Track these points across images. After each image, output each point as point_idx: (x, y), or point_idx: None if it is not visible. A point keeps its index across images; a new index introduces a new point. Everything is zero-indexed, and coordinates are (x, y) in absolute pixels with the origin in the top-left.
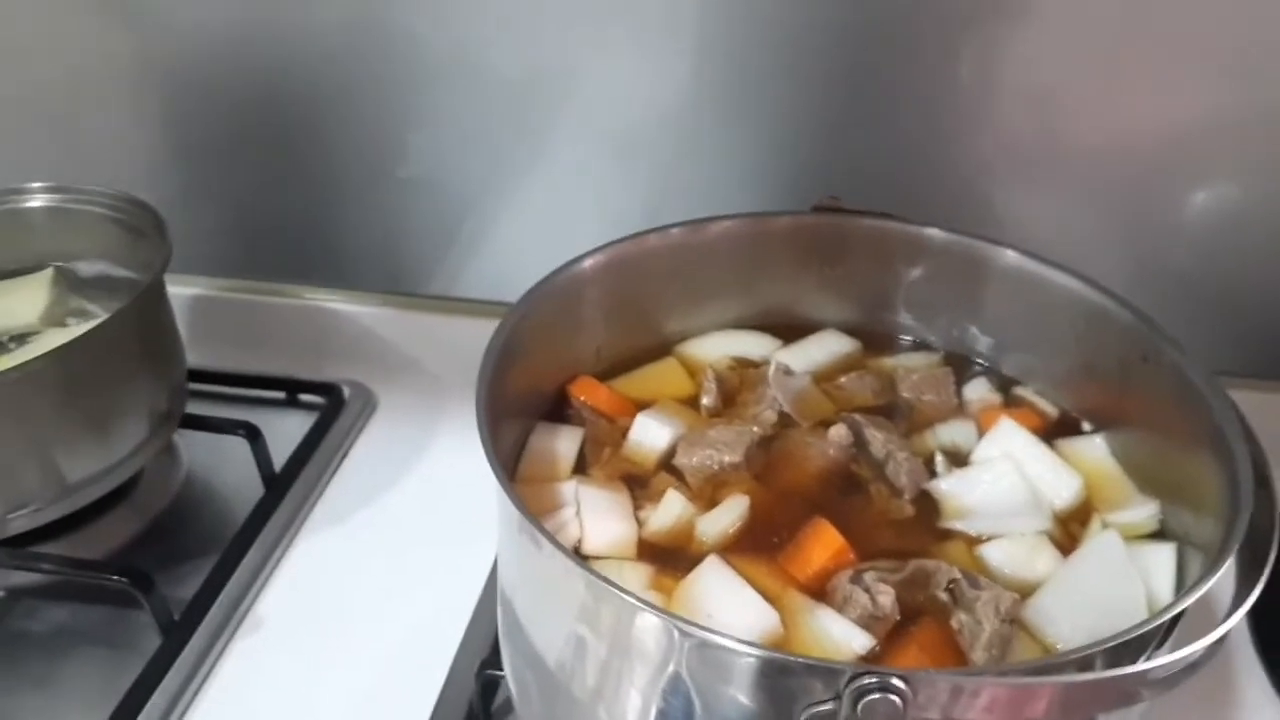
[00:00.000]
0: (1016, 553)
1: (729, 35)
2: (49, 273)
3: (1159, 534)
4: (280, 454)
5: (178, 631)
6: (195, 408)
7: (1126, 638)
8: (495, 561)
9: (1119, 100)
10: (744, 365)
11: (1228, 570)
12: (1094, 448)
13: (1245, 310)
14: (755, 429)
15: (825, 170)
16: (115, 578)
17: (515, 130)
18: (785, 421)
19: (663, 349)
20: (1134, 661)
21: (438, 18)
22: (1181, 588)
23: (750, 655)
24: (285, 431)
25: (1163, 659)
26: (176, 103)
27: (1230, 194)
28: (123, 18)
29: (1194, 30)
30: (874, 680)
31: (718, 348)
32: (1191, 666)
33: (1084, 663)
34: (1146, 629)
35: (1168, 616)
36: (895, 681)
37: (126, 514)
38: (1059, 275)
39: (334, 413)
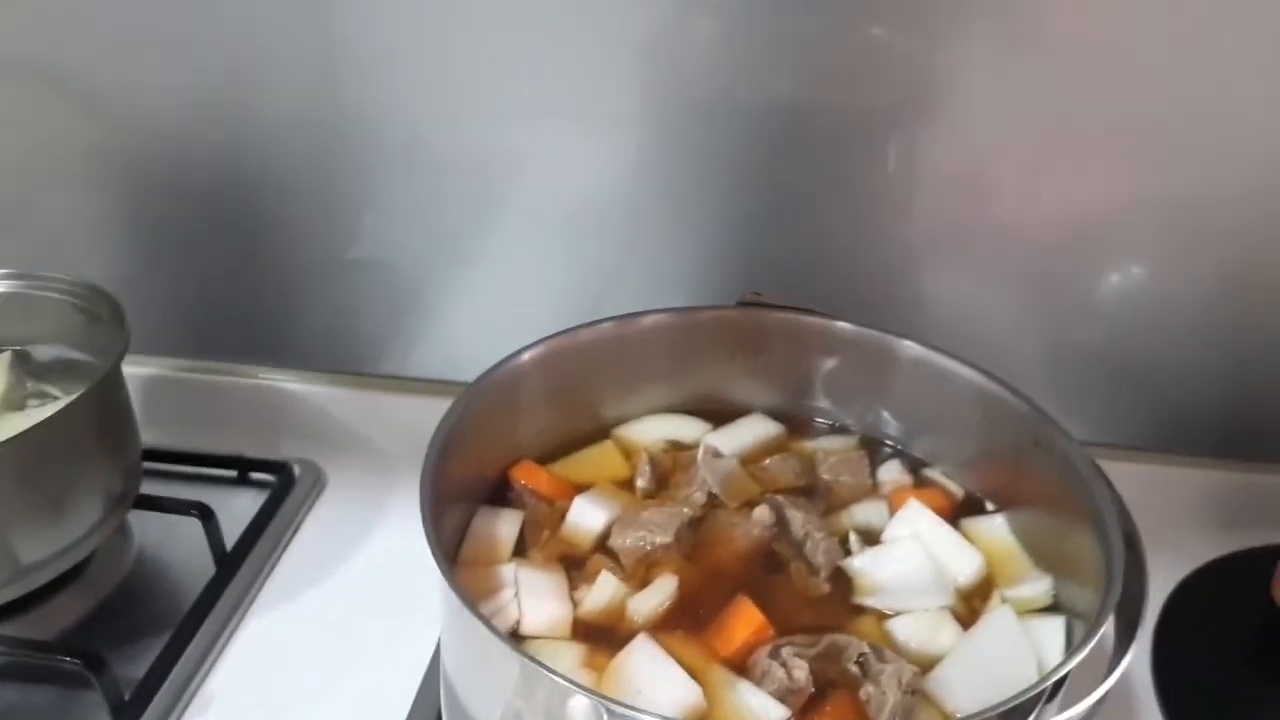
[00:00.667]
0: (921, 628)
1: (665, 125)
2: (6, 356)
3: (1053, 607)
4: (231, 531)
5: (128, 711)
6: (149, 486)
7: (1014, 703)
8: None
9: (1035, 188)
10: (677, 448)
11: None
12: (995, 527)
13: (1151, 385)
14: (686, 510)
15: (757, 254)
16: (68, 659)
17: (464, 214)
18: (714, 502)
19: (601, 433)
20: None
21: (388, 105)
22: None
23: None
24: (236, 509)
25: None
26: (132, 187)
27: (1137, 276)
28: (79, 104)
29: (1106, 123)
30: None
31: (652, 431)
32: None
33: None
34: (1030, 694)
35: (1049, 683)
36: None
37: (78, 593)
38: (957, 366)
39: (284, 491)
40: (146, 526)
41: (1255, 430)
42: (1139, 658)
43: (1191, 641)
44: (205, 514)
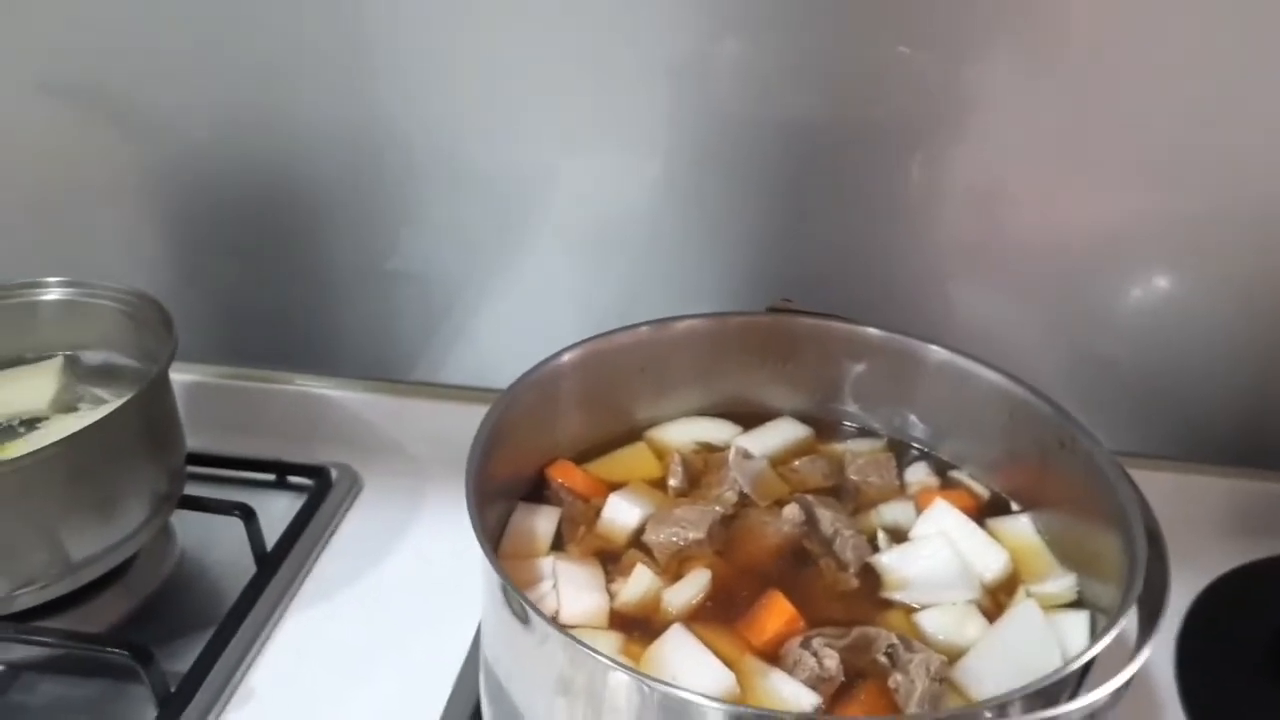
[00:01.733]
0: (948, 620)
1: (692, 141)
2: (58, 360)
3: (1077, 603)
4: (271, 533)
5: (174, 703)
6: (191, 489)
7: (1038, 687)
8: (476, 632)
9: (1057, 202)
10: (708, 450)
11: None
12: (1020, 526)
13: (1173, 395)
14: (717, 508)
15: (784, 267)
16: (117, 651)
17: (496, 227)
18: (744, 501)
19: (633, 435)
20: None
21: (425, 122)
22: None
23: (710, 707)
24: (275, 512)
25: (1071, 704)
26: (176, 201)
27: (1157, 289)
28: (122, 122)
29: (1126, 138)
30: None
31: (684, 433)
32: (1101, 710)
33: (1001, 709)
34: (1056, 679)
35: (1073, 667)
36: None
37: (124, 591)
38: (983, 370)
39: (322, 494)
40: (188, 528)
41: (1276, 438)
42: (1163, 664)
43: (1215, 647)
44: (247, 514)
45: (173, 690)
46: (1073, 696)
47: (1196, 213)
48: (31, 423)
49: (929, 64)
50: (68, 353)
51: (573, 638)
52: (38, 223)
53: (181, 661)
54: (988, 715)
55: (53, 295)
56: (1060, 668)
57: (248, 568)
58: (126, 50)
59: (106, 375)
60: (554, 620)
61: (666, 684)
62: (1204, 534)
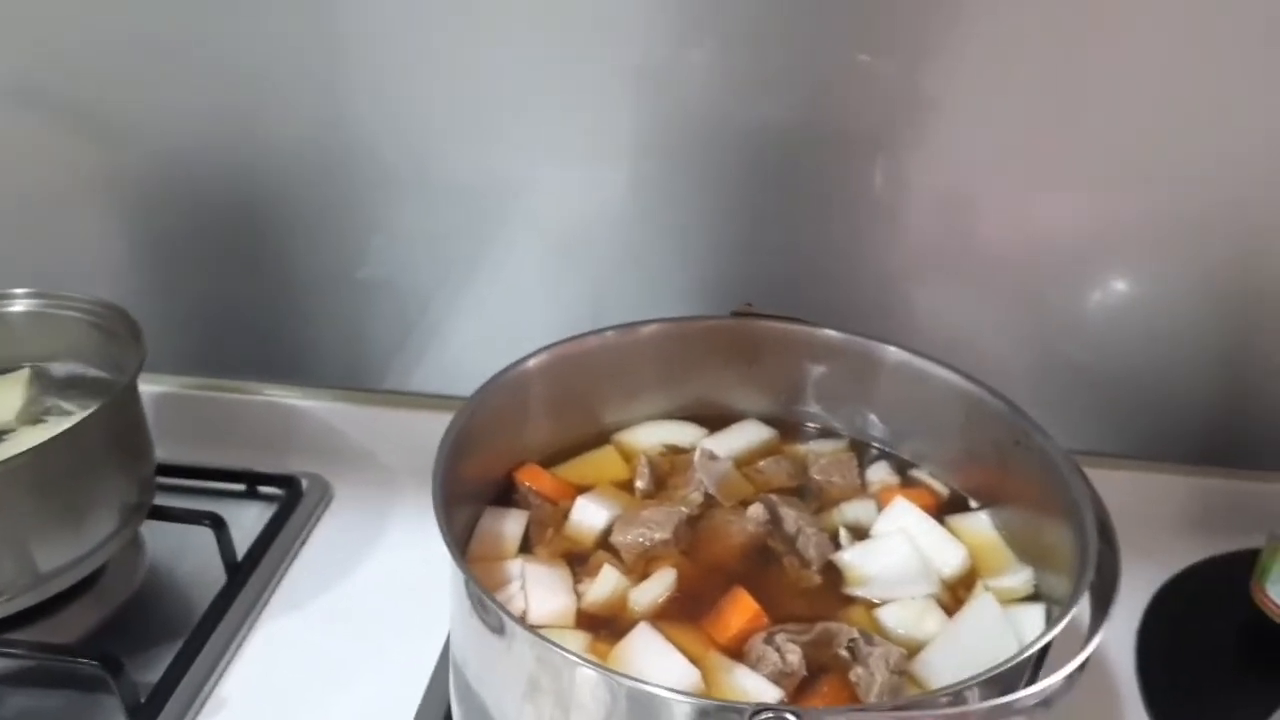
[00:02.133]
0: (908, 615)
1: (660, 148)
2: (25, 373)
3: (1034, 597)
4: (241, 543)
5: (144, 713)
6: (160, 499)
7: (993, 674)
8: (447, 639)
9: (1020, 206)
10: (674, 452)
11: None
12: (979, 522)
13: (1135, 395)
14: (683, 509)
15: (750, 272)
16: (87, 661)
17: (466, 235)
18: (710, 502)
19: (601, 438)
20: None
21: (394, 130)
22: None
23: (675, 700)
24: (245, 522)
25: (1026, 690)
26: (144, 210)
27: (1120, 291)
28: (92, 130)
29: (1088, 141)
30: (770, 715)
31: (650, 436)
32: (1057, 695)
33: (958, 697)
34: (1010, 665)
35: (1027, 654)
36: (788, 716)
37: (93, 601)
38: (939, 369)
39: (292, 503)
40: (158, 538)
41: (1237, 437)
42: (1124, 658)
43: (1176, 642)
44: (217, 523)
45: (143, 700)
46: (1029, 684)
47: (1159, 215)
48: (1, 434)
49: (892, 70)
50: (35, 364)
51: (539, 635)
52: (5, 232)
53: (152, 672)
54: (945, 702)
55: (19, 306)
56: (1015, 654)
57: (218, 577)
58: (97, 57)
59: (75, 386)
60: (521, 619)
61: (632, 679)
62: (1166, 530)
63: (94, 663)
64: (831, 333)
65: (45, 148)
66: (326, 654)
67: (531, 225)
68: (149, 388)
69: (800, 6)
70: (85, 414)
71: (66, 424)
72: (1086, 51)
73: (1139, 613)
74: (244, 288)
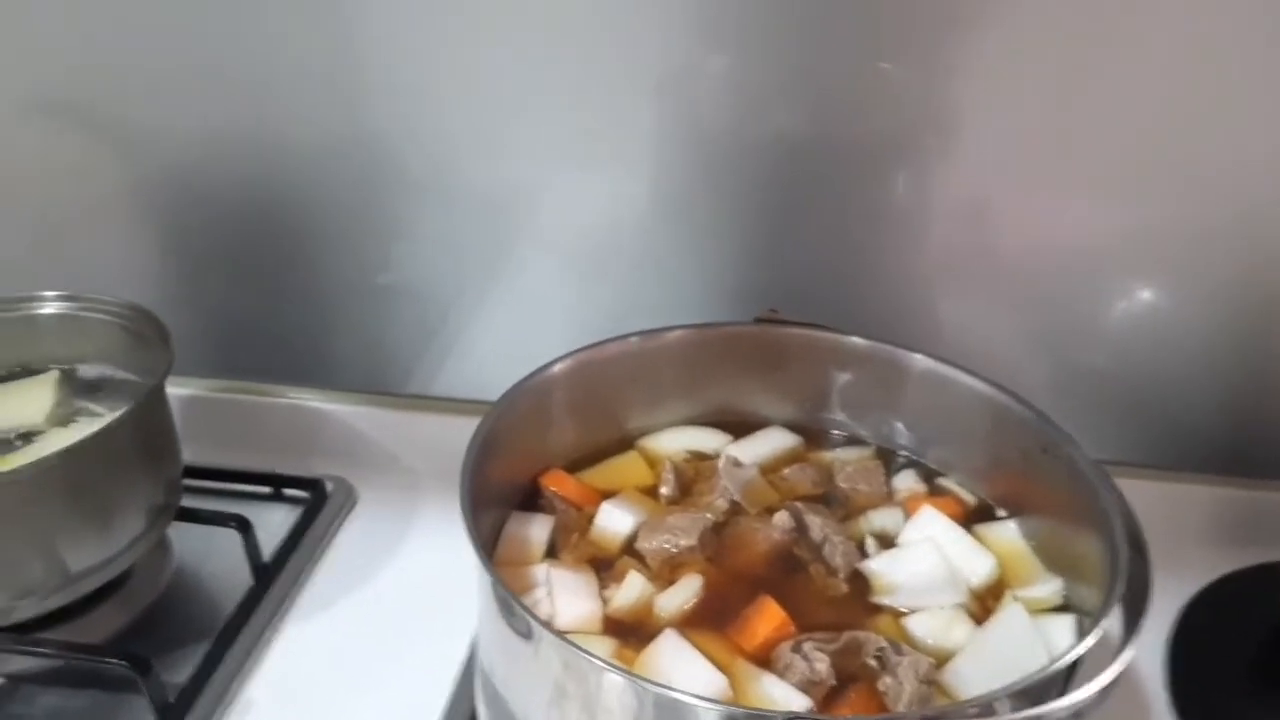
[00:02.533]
0: (936, 625)
1: (680, 156)
2: (54, 375)
3: (1063, 607)
4: (267, 545)
5: (173, 713)
6: (187, 502)
7: (1024, 685)
8: (473, 642)
9: (1040, 215)
10: (698, 458)
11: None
12: (1007, 531)
13: (1158, 404)
14: (709, 516)
15: (770, 280)
16: (116, 661)
17: (488, 241)
18: (735, 509)
19: (625, 444)
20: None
21: (416, 138)
22: None
23: (703, 707)
24: (271, 524)
25: (1058, 702)
26: (171, 217)
27: (1144, 301)
28: (117, 140)
29: (1109, 150)
30: None
31: (675, 442)
32: (1088, 709)
33: (988, 708)
34: (1042, 677)
35: (1059, 665)
36: None
37: (121, 603)
38: (965, 377)
39: (318, 506)
40: (185, 541)
41: (1263, 447)
42: (1153, 671)
43: (1205, 655)
44: (243, 526)
45: (171, 701)
46: (1059, 696)
47: (1179, 224)
48: (28, 436)
49: (911, 80)
50: (64, 367)
51: (568, 641)
52: (34, 239)
53: (179, 673)
54: (974, 712)
55: (50, 309)
56: (1046, 665)
57: (244, 579)
58: (120, 69)
59: (103, 389)
60: (549, 624)
61: (661, 685)
62: (1191, 542)
63: (123, 663)
64: (858, 340)
65: (72, 158)
66: (352, 656)
67: (552, 232)
68: (176, 391)
69: (819, 15)
70: (114, 416)
71: (95, 426)
72: (1105, 61)
73: (1168, 625)
74: (269, 293)
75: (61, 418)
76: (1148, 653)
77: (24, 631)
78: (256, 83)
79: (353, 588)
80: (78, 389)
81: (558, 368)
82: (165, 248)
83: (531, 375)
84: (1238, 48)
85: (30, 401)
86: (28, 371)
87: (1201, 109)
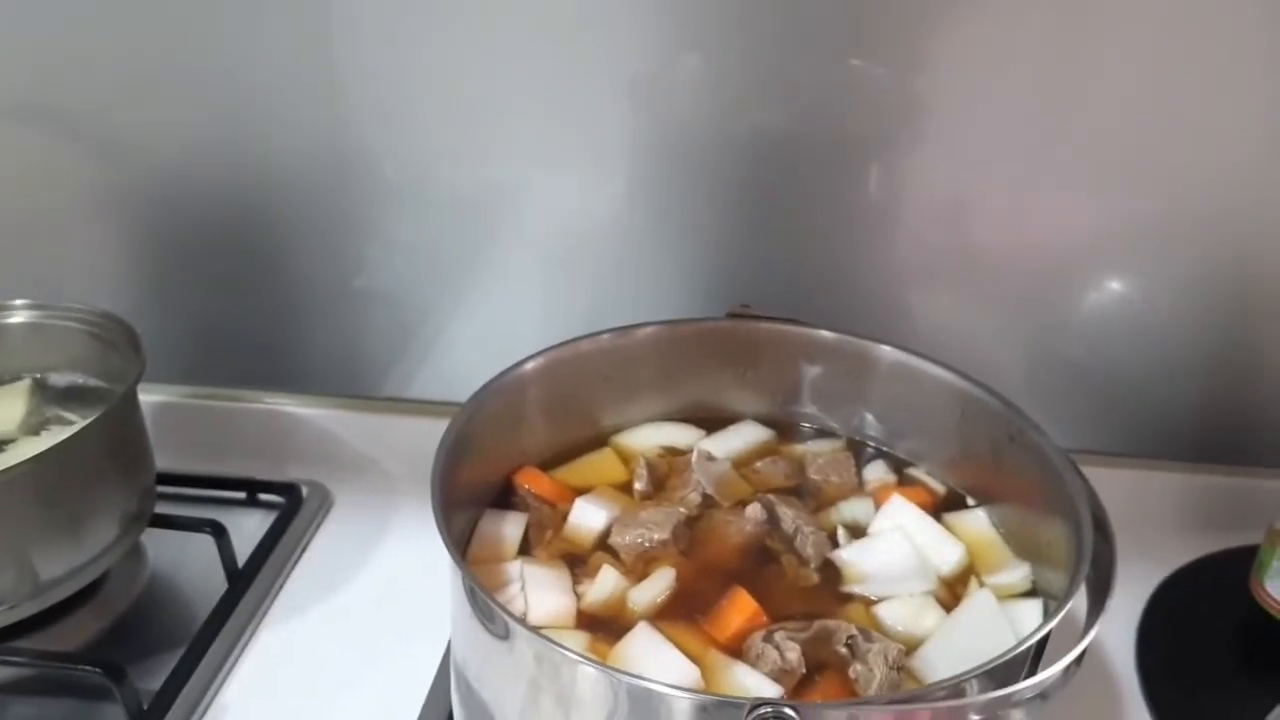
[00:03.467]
0: (906, 612)
1: (655, 155)
2: (26, 383)
3: (1032, 593)
4: (242, 550)
5: None
6: (161, 508)
7: (991, 666)
8: (448, 644)
9: (1014, 208)
10: (672, 453)
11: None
12: (976, 519)
13: (1131, 393)
14: (682, 510)
15: (745, 276)
16: (89, 669)
17: (462, 244)
18: (708, 503)
19: (599, 441)
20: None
21: (390, 143)
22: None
23: (675, 696)
24: (246, 530)
25: (1023, 683)
26: (142, 222)
27: (1114, 291)
28: (91, 144)
29: (1087, 143)
30: (769, 710)
31: (648, 438)
32: (1053, 688)
33: (956, 689)
34: (1008, 657)
35: (1024, 646)
36: (787, 711)
37: (94, 610)
38: (933, 368)
39: (293, 510)
40: (159, 547)
41: (1233, 435)
42: (1124, 655)
43: (1175, 639)
44: (218, 531)
45: (145, 708)
46: (1027, 677)
47: (1153, 217)
48: (2, 444)
49: (885, 75)
50: (35, 375)
51: (541, 635)
52: (7, 244)
53: (154, 679)
54: (942, 695)
55: (19, 318)
56: (1012, 647)
57: (219, 585)
58: (94, 74)
59: (75, 397)
60: (521, 620)
61: (633, 676)
62: (1163, 528)
63: (96, 670)
64: (826, 333)
65: (45, 162)
66: (328, 660)
67: (528, 233)
68: (149, 398)
69: (793, 13)
70: (84, 423)
71: (67, 433)
72: (1081, 55)
73: (1138, 610)
74: (243, 298)
75: (33, 426)
76: (1118, 637)
77: None
78: (232, 88)
79: (328, 591)
80: (49, 397)
81: (529, 366)
82: (139, 253)
83: (503, 374)
84: (1214, 45)
85: (2, 410)
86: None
87: (1175, 105)
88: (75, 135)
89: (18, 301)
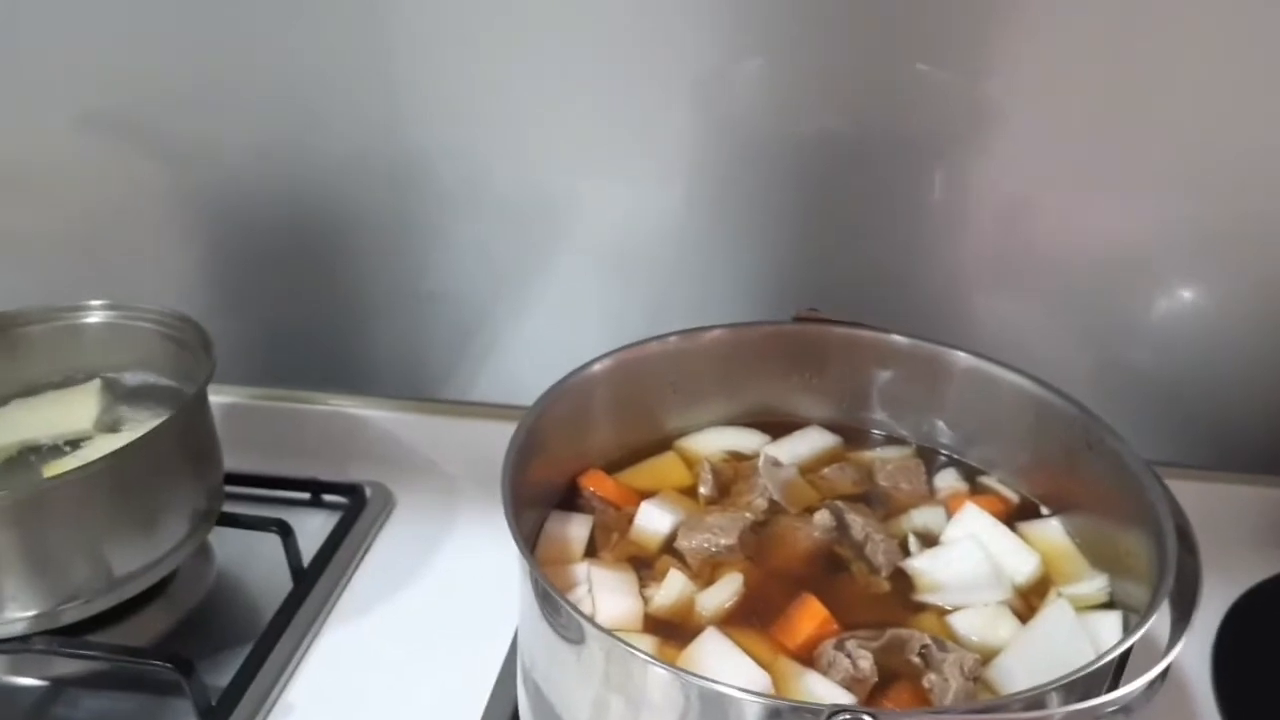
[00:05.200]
0: (981, 622)
1: (714, 158)
2: (96, 383)
3: (1109, 604)
4: (306, 550)
5: (215, 716)
6: (228, 507)
7: (1072, 678)
8: (511, 644)
9: (1084, 211)
10: (737, 458)
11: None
12: (1050, 529)
13: (1201, 403)
14: (748, 515)
15: (807, 281)
16: (160, 664)
17: (522, 247)
18: (775, 508)
19: (663, 444)
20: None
21: (450, 147)
22: None
23: (748, 700)
24: (310, 529)
25: (1105, 696)
26: (213, 227)
27: (1183, 298)
28: (161, 151)
29: (1154, 146)
30: (848, 716)
31: (713, 442)
32: (1135, 703)
33: (1034, 701)
34: (1090, 670)
35: (1107, 659)
36: (866, 718)
37: (164, 607)
38: (1008, 374)
39: (356, 511)
40: (226, 546)
41: None
42: (1200, 672)
43: (1252, 656)
44: (285, 530)
45: (214, 704)
46: (1108, 691)
47: (1221, 221)
48: (75, 442)
49: (950, 79)
50: (108, 375)
51: (613, 636)
52: (80, 248)
53: (221, 676)
54: (1021, 705)
55: (95, 318)
56: (1095, 659)
57: (284, 583)
58: (163, 82)
59: (146, 396)
60: (594, 620)
61: (707, 679)
62: (1236, 543)
63: (167, 665)
64: (898, 337)
65: (115, 169)
66: (391, 659)
67: (587, 237)
68: (217, 399)
69: (858, 16)
70: (158, 422)
71: (140, 432)
72: (1147, 58)
73: (1214, 626)
74: (307, 301)
75: (107, 424)
76: (1194, 654)
77: (69, 635)
78: (296, 96)
79: (391, 592)
80: (121, 396)
81: (597, 367)
82: (206, 257)
83: (571, 375)
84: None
85: (77, 409)
86: (73, 380)
87: (1242, 107)
88: (147, 143)
89: (94, 302)
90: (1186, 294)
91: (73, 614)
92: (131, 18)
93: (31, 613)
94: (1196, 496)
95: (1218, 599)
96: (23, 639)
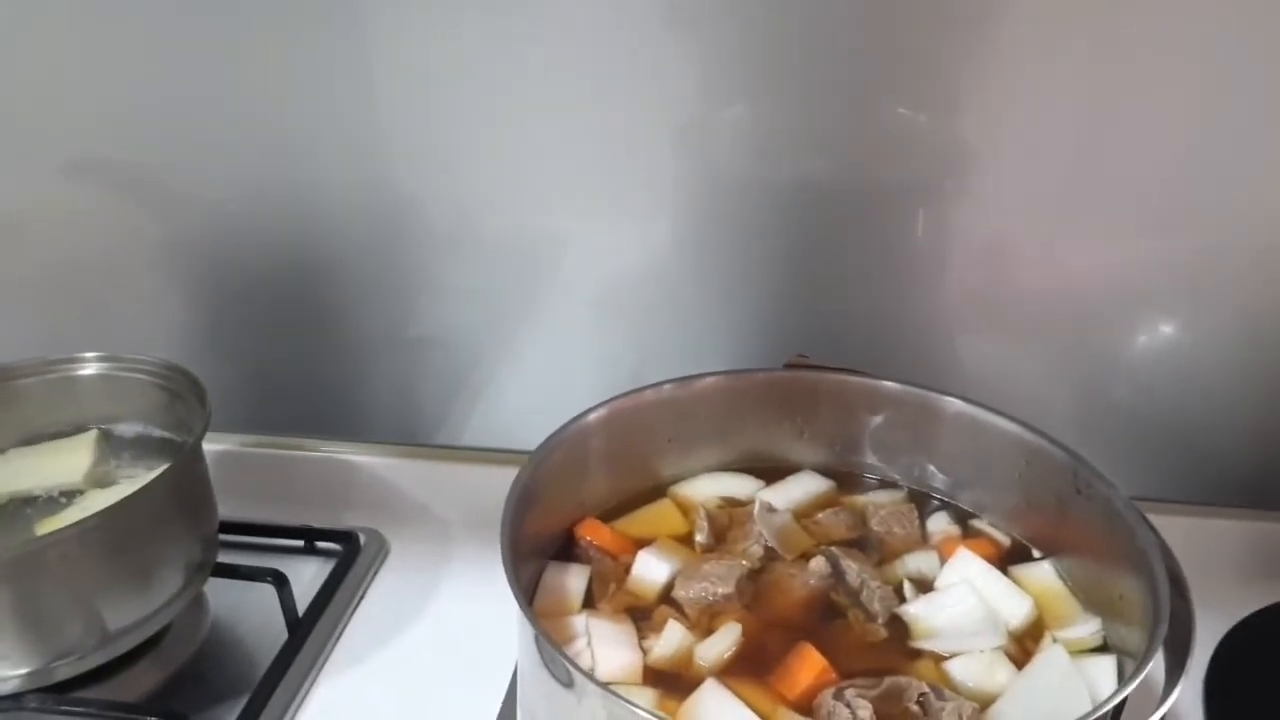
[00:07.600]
0: (977, 668)
1: (700, 203)
2: (93, 434)
3: (1103, 648)
4: (300, 599)
5: None
6: (222, 557)
7: None
8: (507, 693)
9: (1061, 252)
10: (732, 504)
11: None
12: (1043, 572)
13: (1185, 438)
14: (744, 562)
15: (793, 323)
16: (153, 719)
17: (514, 292)
18: (770, 555)
19: (657, 491)
20: None
21: (439, 194)
22: None
23: None
24: (304, 578)
25: None
26: (203, 274)
27: (1163, 334)
28: (152, 199)
29: (1134, 184)
30: None
31: (707, 489)
32: None
33: None
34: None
35: (1104, 710)
36: None
37: (157, 660)
38: (998, 419)
39: (350, 558)
40: (219, 595)
41: None
42: (1192, 709)
43: (1244, 691)
44: (280, 580)
45: None
46: None
47: (1199, 257)
48: (70, 494)
49: (930, 123)
50: (103, 426)
51: (614, 693)
52: (70, 296)
53: None
54: None
55: (90, 370)
56: (1091, 710)
57: (279, 633)
58: (153, 128)
59: (140, 447)
60: (593, 677)
61: None
62: (1224, 577)
63: None
64: (890, 383)
65: (105, 216)
66: (387, 709)
67: (573, 282)
68: (209, 446)
69: (839, 62)
70: (153, 475)
71: (134, 486)
72: (1122, 96)
73: (1205, 661)
74: (299, 347)
75: (100, 477)
76: (1186, 689)
77: (63, 691)
78: (286, 142)
79: (387, 640)
80: (116, 447)
81: (593, 416)
82: (197, 304)
83: (568, 424)
84: (1257, 82)
85: (70, 460)
86: (67, 431)
87: (1218, 143)
88: (136, 191)
89: (88, 354)
90: (1167, 329)
91: (66, 671)
92: (122, 68)
93: (24, 670)
94: (1182, 531)
95: (1208, 633)
96: (15, 697)
